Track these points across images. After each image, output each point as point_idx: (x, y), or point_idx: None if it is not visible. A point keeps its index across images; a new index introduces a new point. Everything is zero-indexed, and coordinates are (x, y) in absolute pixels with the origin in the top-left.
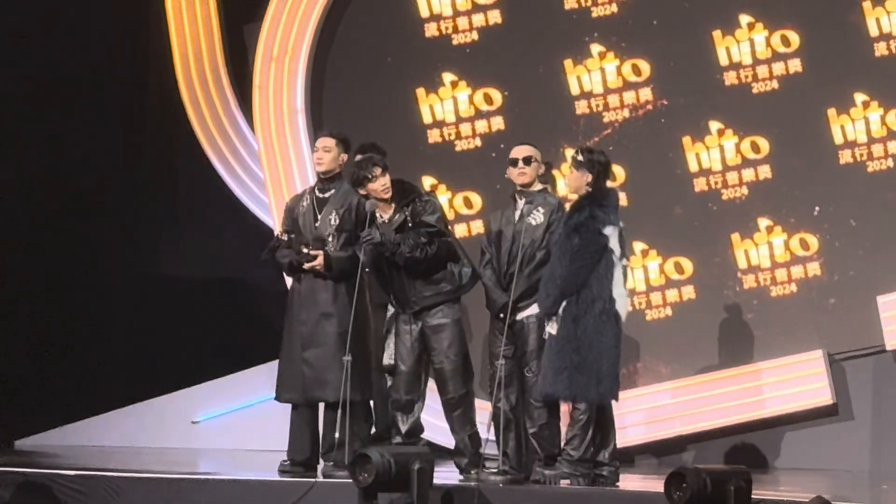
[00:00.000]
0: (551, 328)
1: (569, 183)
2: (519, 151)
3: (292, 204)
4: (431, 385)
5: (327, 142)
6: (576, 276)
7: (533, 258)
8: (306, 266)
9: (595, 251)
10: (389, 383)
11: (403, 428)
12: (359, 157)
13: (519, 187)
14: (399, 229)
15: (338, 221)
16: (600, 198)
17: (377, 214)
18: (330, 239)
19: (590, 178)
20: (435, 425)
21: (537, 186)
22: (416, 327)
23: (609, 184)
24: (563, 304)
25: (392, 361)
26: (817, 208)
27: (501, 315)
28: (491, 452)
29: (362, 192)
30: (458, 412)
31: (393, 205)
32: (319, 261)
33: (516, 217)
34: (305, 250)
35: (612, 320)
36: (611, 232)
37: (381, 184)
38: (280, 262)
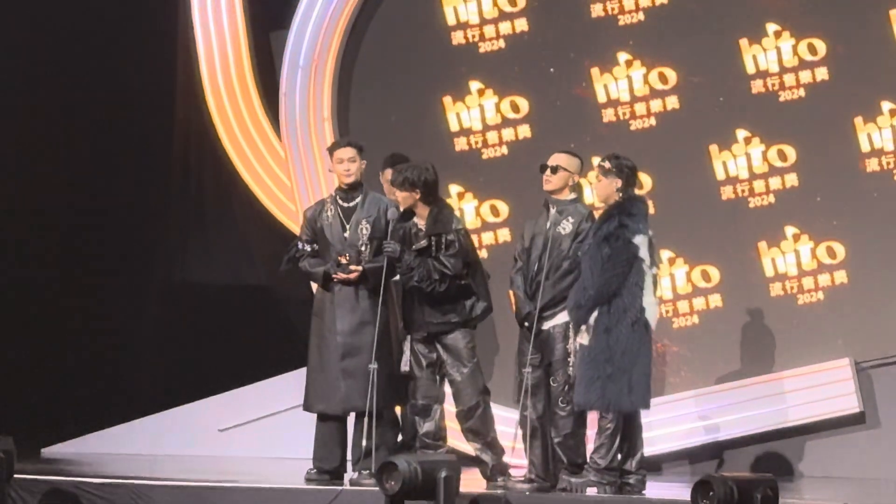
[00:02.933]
0: (582, 339)
1: (597, 192)
2: (551, 159)
3: (314, 214)
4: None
5: (351, 152)
6: (608, 286)
7: (559, 267)
8: (340, 277)
9: (626, 260)
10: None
11: (422, 430)
12: (402, 166)
13: (550, 195)
14: (421, 251)
15: (369, 230)
16: (629, 206)
17: (415, 219)
18: (363, 248)
19: (619, 183)
20: (459, 431)
21: (569, 196)
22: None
23: (637, 191)
24: (595, 314)
25: (408, 368)
26: (834, 222)
27: (526, 324)
28: (517, 460)
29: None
30: (471, 423)
31: (425, 221)
32: (356, 275)
33: (547, 226)
34: (344, 261)
35: (643, 329)
36: (640, 241)
37: (398, 195)
38: (310, 271)
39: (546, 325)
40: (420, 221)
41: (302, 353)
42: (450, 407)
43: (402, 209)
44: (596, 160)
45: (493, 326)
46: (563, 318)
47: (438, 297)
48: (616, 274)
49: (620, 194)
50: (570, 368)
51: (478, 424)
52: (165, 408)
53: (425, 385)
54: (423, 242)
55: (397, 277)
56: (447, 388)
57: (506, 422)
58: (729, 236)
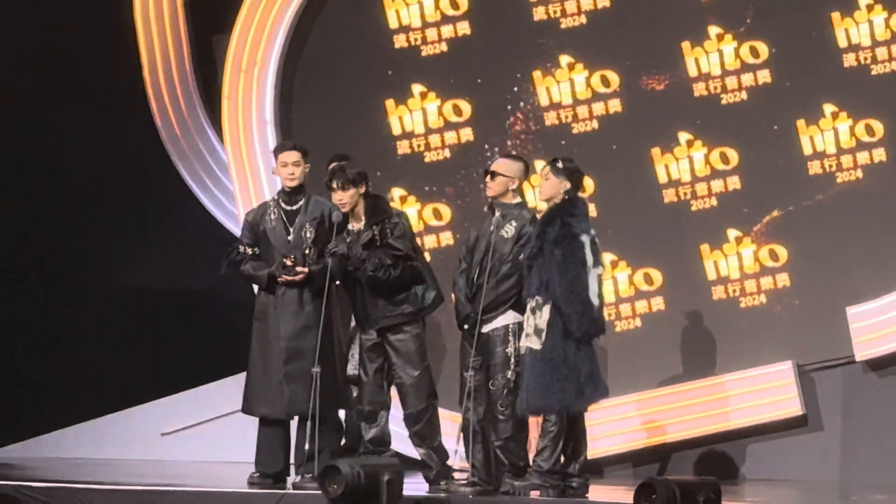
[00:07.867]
0: (532, 342)
1: (543, 191)
2: (493, 164)
3: (255, 218)
4: (398, 395)
5: (296, 155)
6: (576, 284)
7: (499, 271)
8: (287, 279)
9: (580, 258)
10: (355, 394)
11: (367, 436)
12: (333, 164)
13: (495, 199)
14: (367, 246)
15: (313, 234)
16: (570, 207)
17: (349, 226)
18: (307, 251)
19: (568, 185)
20: (403, 436)
21: (514, 199)
22: (378, 339)
23: (579, 194)
24: (546, 316)
25: (356, 372)
26: (777, 225)
27: (466, 326)
28: (460, 464)
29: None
30: (419, 427)
31: (363, 219)
32: (303, 277)
33: (490, 229)
34: (289, 263)
35: None
36: (584, 240)
37: (337, 197)
38: (253, 274)
39: (486, 328)
40: (356, 224)
41: (244, 358)
42: (395, 411)
43: (348, 209)
44: (539, 164)
45: (440, 330)
46: (503, 321)
47: (393, 284)
48: (578, 272)
49: (566, 196)
50: (510, 372)
51: (426, 429)
52: (107, 412)
53: (372, 391)
54: (368, 234)
55: (339, 282)
56: (394, 394)
57: (449, 424)
58: (671, 239)
